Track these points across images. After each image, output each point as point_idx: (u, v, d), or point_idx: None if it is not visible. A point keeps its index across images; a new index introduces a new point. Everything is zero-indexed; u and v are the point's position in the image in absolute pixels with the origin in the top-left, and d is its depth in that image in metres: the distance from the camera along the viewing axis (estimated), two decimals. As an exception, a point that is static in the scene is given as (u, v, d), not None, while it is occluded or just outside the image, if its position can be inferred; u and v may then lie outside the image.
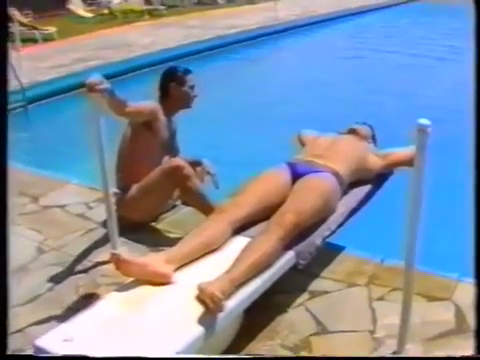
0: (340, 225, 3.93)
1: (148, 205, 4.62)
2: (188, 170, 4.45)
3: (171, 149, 4.81)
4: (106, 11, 21.94)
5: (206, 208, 4.36)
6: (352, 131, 4.66)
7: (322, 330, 3.42)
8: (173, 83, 4.65)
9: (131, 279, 3.25)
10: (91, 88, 3.52)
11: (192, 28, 17.82)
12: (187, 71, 4.73)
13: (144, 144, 4.53)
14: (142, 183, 4.54)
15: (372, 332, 3.37)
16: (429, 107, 8.29)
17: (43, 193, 5.37)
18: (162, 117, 4.60)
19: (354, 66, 13.32)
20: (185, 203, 4.90)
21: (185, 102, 4.73)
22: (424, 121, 2.64)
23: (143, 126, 4.49)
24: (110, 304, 3.09)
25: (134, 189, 4.57)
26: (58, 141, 8.06)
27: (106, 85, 3.63)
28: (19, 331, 3.39)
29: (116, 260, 3.20)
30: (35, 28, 15.70)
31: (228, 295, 3.01)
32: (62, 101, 10.03)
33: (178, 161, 4.52)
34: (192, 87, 4.71)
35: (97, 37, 16.45)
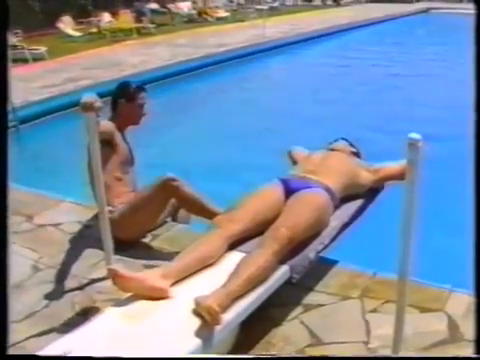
0: (333, 239, 3.97)
1: (140, 222, 4.60)
2: (179, 180, 4.45)
3: (133, 161, 4.82)
4: (95, 30, 22.03)
5: (208, 211, 4.37)
6: (333, 149, 4.68)
7: (317, 342, 3.45)
8: (122, 99, 4.63)
9: (128, 294, 3.28)
10: (86, 107, 3.56)
11: (181, 47, 17.93)
12: (139, 88, 4.69)
13: (107, 161, 4.46)
14: (133, 201, 4.54)
15: (366, 343, 3.41)
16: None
17: (37, 212, 5.37)
18: (117, 132, 4.58)
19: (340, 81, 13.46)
20: (178, 220, 4.92)
21: (132, 119, 4.70)
22: (415, 135, 2.67)
23: (103, 144, 4.33)
24: (108, 318, 3.13)
25: (125, 207, 4.55)
26: (51, 160, 8.09)
27: (100, 104, 3.68)
28: (18, 346, 3.36)
29: (114, 275, 3.24)
30: (25, 48, 15.71)
31: (225, 308, 3.05)
32: (54, 120, 10.11)
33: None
34: (142, 106, 4.67)
35: (87, 56, 16.57)
